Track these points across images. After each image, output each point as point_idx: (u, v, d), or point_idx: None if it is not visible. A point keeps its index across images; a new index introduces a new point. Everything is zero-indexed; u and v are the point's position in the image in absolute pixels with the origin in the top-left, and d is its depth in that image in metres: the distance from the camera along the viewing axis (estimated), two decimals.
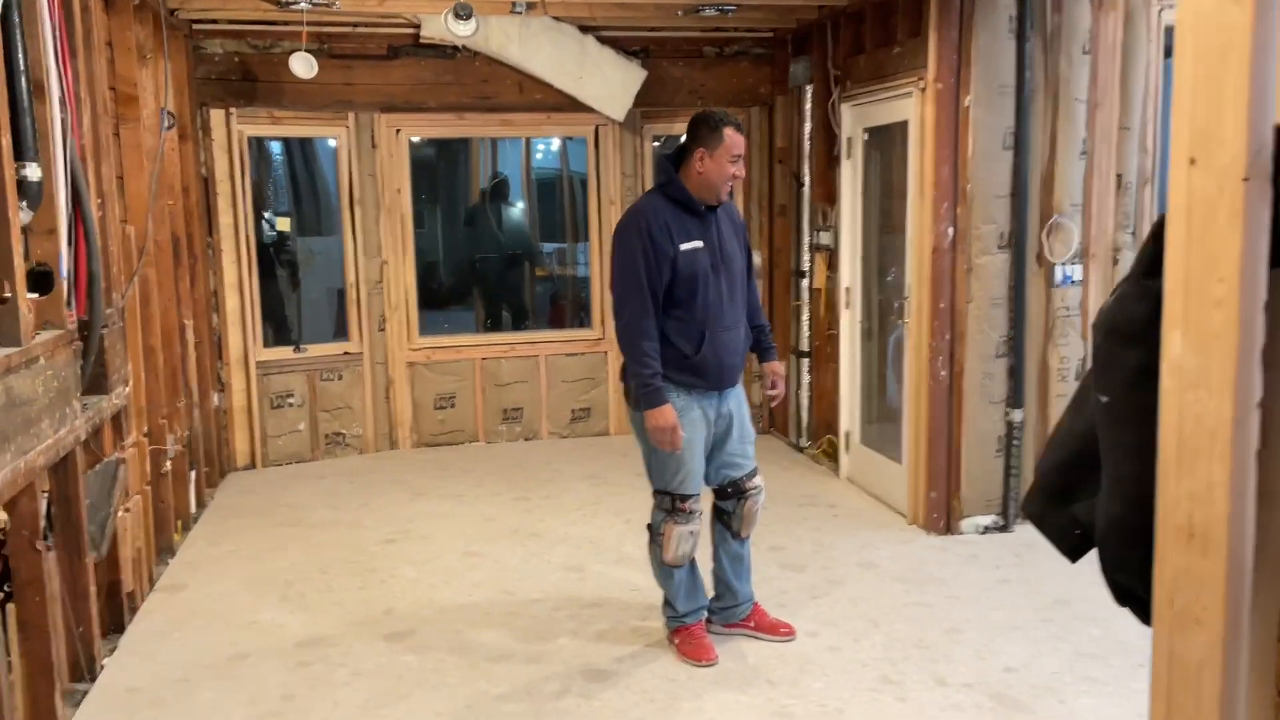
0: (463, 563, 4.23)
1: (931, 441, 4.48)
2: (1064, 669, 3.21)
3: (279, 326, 6.09)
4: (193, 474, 4.78)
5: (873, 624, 3.56)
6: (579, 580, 4.02)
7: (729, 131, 3.12)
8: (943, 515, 4.50)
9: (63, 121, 3.13)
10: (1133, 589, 1.26)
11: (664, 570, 3.32)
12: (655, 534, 3.28)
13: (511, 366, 6.20)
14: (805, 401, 5.88)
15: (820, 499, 5.04)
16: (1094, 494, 1.30)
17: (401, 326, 6.00)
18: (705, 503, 3.31)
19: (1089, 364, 4.43)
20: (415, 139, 6.20)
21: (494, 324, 8.29)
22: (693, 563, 3.34)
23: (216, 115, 5.48)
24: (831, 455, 5.57)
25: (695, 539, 3.26)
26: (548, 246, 9.18)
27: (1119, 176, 4.45)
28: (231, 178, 5.55)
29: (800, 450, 5.92)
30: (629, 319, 3.11)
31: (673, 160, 3.22)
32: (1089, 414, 1.30)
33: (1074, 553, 1.37)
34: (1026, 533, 4.44)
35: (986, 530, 4.48)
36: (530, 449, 6.10)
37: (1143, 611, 1.27)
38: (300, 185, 7.05)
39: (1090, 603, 3.68)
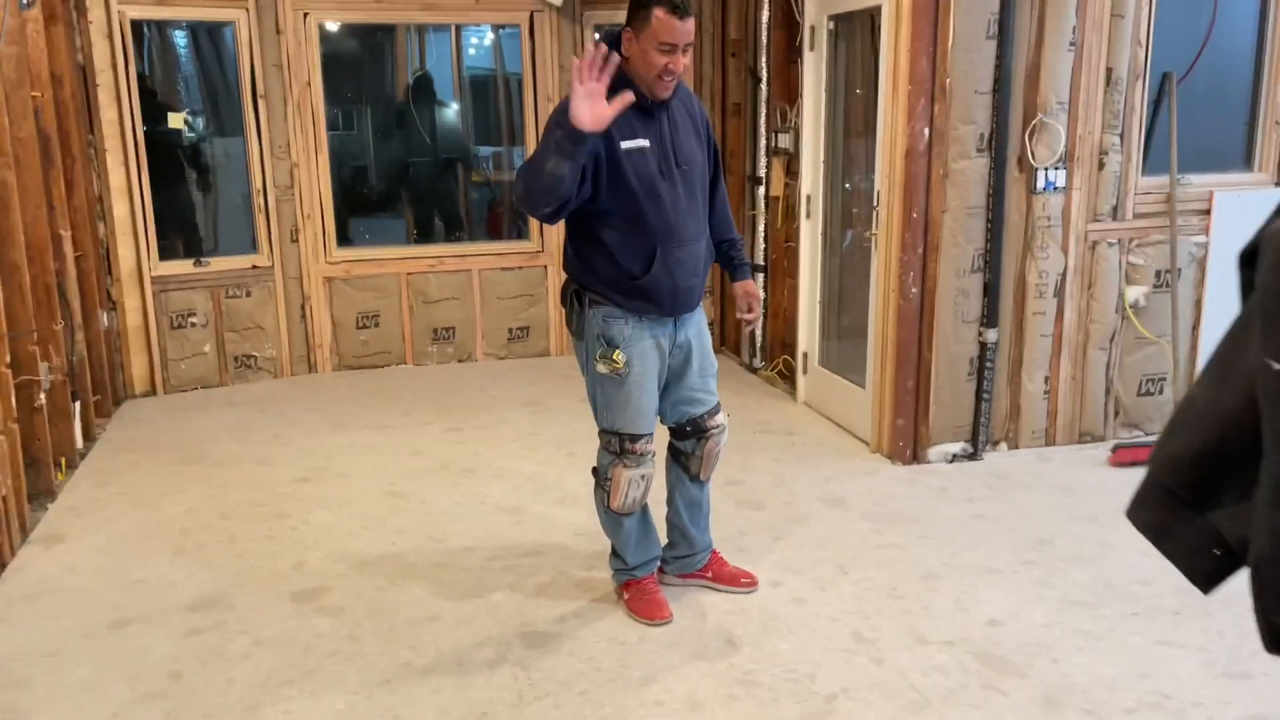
0: (385, 505, 3.80)
1: (899, 364, 4.12)
2: (1053, 620, 2.91)
3: (188, 238, 5.46)
4: (77, 405, 4.24)
5: (841, 570, 3.23)
6: (517, 524, 3.62)
7: (660, 13, 2.54)
8: (909, 444, 4.17)
9: None
10: None
11: (611, 518, 2.91)
12: (602, 479, 2.86)
13: (441, 282, 5.69)
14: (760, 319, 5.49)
15: (777, 425, 4.68)
16: (1244, 498, 0.90)
17: (317, 237, 5.43)
18: (659, 442, 2.90)
19: (1081, 281, 4.10)
20: (328, 24, 5.52)
21: (424, 235, 7.71)
22: (644, 509, 2.94)
23: None
24: (787, 377, 5.20)
25: (647, 484, 2.85)
26: (483, 150, 8.57)
27: (1109, 70, 4.04)
28: (114, 67, 4.86)
29: (753, 371, 5.55)
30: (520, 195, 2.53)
31: (618, 43, 2.70)
32: (1243, 384, 0.89)
33: (1210, 581, 0.97)
34: (996, 461, 4.14)
35: (955, 459, 4.18)
36: (463, 371, 5.64)
37: None
38: (212, 80, 6.33)
39: (1073, 540, 3.39)
